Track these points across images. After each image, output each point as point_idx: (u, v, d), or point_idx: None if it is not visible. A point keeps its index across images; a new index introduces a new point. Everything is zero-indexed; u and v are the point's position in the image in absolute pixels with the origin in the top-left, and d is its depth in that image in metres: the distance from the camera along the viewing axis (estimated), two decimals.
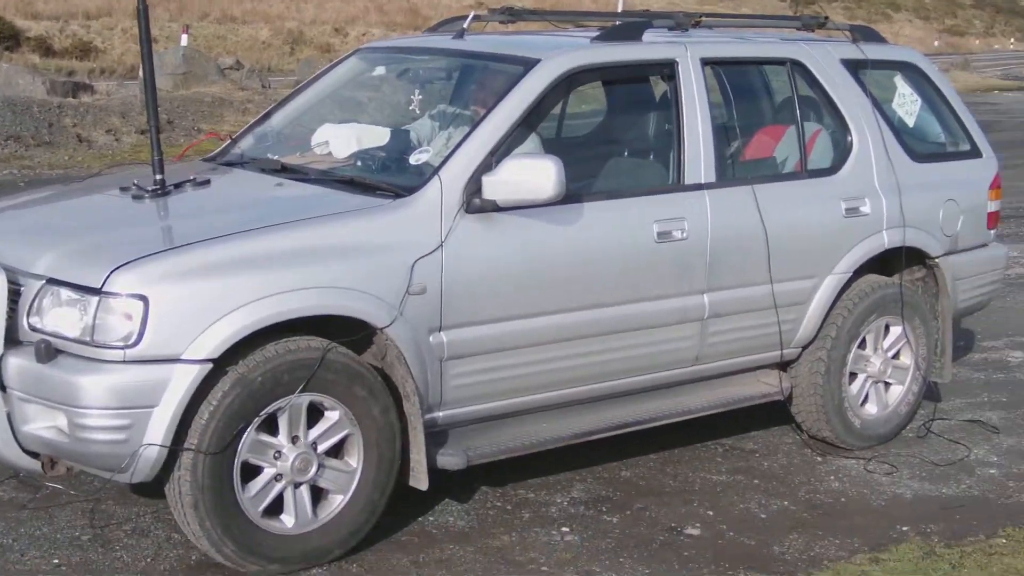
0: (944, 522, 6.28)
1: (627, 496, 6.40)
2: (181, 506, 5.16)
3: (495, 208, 5.69)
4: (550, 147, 6.33)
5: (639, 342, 6.25)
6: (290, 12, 47.34)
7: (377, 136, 6.38)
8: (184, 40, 27.23)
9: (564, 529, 5.96)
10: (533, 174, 5.61)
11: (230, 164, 6.61)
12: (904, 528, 6.17)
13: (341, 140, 6.31)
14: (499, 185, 5.63)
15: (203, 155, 7.12)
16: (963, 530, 6.19)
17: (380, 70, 7.27)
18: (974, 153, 7.81)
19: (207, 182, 6.05)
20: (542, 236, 5.84)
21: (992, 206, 7.79)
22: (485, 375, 5.78)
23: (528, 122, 6.01)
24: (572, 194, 5.88)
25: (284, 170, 6.22)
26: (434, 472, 5.65)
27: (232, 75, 25.30)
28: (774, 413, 7.25)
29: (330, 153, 6.31)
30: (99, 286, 4.95)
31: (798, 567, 5.70)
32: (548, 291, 5.87)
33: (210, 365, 5.01)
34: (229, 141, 6.97)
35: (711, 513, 6.25)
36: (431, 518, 5.99)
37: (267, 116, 7.12)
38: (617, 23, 6.88)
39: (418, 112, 6.66)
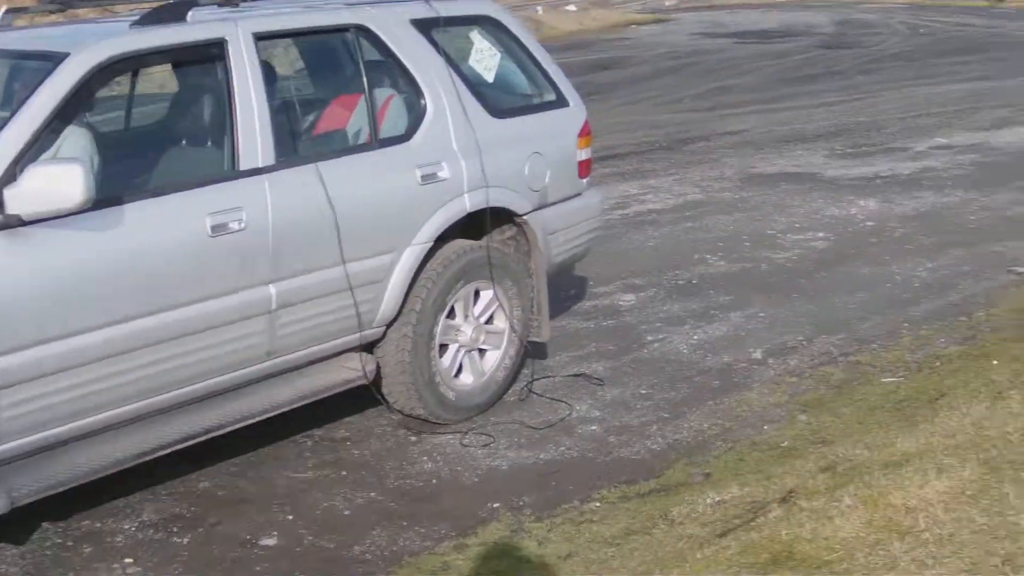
0: (538, 492, 6.08)
1: (202, 510, 5.96)
2: None
3: (21, 223, 5.18)
4: (106, 145, 5.87)
5: (202, 345, 5.82)
6: None
7: None
8: None
9: (127, 560, 5.49)
10: (57, 181, 5.12)
11: None
12: (495, 505, 5.94)
13: None
14: (21, 197, 5.12)
15: None
16: (557, 498, 6.00)
17: None
18: (560, 103, 7.65)
19: None
20: (78, 246, 5.34)
21: (582, 154, 7.65)
22: (26, 405, 5.24)
23: (67, 120, 5.50)
24: (114, 196, 5.48)
25: None
26: None
27: None
28: (369, 395, 6.82)
29: None
30: None
31: (378, 567, 5.39)
32: (91, 305, 5.38)
33: None
34: None
35: (291, 517, 5.87)
36: None
37: None
38: (163, 4, 6.39)
39: None
